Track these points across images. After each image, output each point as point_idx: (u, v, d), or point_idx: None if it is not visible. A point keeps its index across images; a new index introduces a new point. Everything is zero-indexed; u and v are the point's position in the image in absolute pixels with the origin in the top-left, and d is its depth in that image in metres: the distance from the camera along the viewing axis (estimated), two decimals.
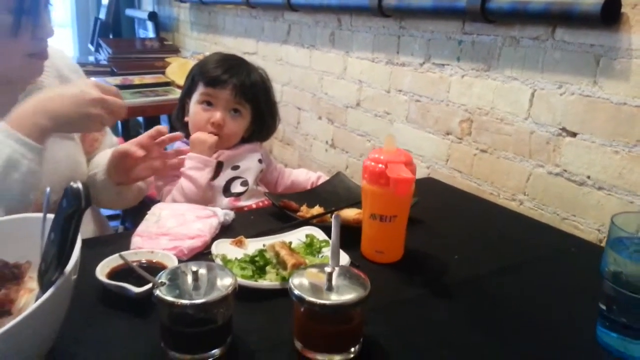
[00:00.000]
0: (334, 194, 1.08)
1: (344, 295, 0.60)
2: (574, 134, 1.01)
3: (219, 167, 1.17)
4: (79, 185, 0.46)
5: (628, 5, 0.89)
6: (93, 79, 1.04)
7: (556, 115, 1.04)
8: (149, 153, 1.01)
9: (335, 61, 1.73)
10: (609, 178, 0.96)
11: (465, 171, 1.27)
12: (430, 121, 1.36)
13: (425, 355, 0.64)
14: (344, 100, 1.71)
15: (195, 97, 1.20)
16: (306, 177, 1.35)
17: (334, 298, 0.59)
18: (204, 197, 1.12)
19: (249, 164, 1.22)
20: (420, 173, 1.39)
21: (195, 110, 1.19)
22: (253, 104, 1.21)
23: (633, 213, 0.67)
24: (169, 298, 0.58)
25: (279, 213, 1.00)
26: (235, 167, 1.20)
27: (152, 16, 3.40)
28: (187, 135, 1.20)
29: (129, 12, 3.89)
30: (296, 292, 0.59)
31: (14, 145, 0.81)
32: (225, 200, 1.16)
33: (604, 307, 0.66)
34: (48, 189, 0.53)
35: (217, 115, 1.16)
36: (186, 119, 1.24)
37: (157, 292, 0.58)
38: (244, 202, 1.18)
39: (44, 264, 0.49)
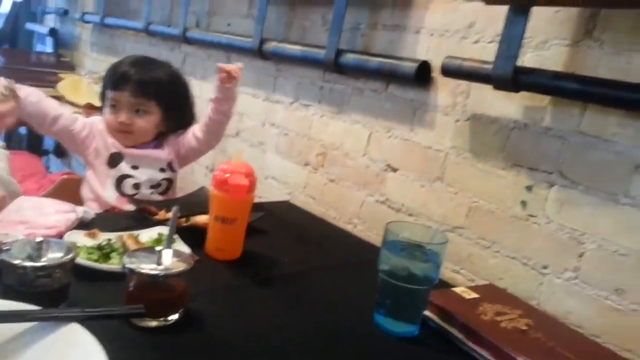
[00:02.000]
0: (194, 203, 1.21)
1: (167, 268, 0.73)
2: (395, 170, 1.25)
3: (117, 158, 1.29)
4: None
5: (436, 71, 1.15)
6: None
7: (384, 153, 1.28)
8: None
9: None
10: (417, 206, 1.20)
11: (318, 197, 1.47)
12: (294, 153, 1.56)
13: (237, 325, 0.79)
14: (226, 130, 1.86)
15: (106, 101, 1.32)
16: (197, 126, 1.36)
17: (156, 270, 0.72)
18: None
19: (148, 171, 1.31)
20: (283, 198, 1.57)
21: (106, 113, 1.32)
22: (157, 100, 1.30)
23: (402, 222, 0.89)
24: (12, 260, 0.68)
25: (139, 216, 1.12)
26: (134, 167, 1.30)
27: (53, 32, 3.38)
28: None
29: (30, 25, 3.82)
30: (127, 264, 0.72)
31: None
32: (114, 195, 1.27)
33: (377, 296, 0.85)
34: None
35: (122, 116, 1.28)
36: None
37: (2, 255, 0.68)
38: (132, 207, 1.19)
39: None
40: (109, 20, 2.65)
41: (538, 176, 0.99)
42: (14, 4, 3.47)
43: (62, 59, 3.16)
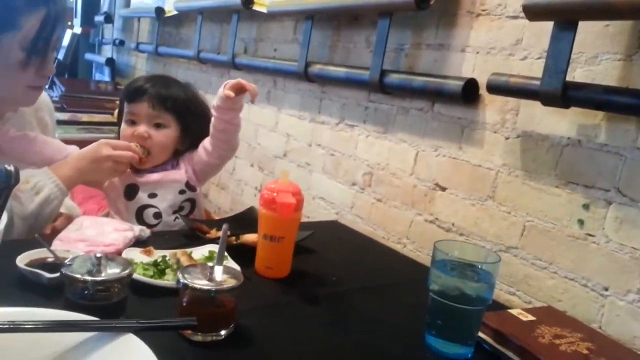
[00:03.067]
0: (244, 223, 1.23)
1: (219, 284, 0.75)
2: (444, 189, 1.23)
3: (133, 189, 1.24)
4: (12, 167, 0.60)
5: (483, 88, 1.14)
6: (103, 140, 1.19)
7: (432, 172, 1.26)
8: None
9: (269, 116, 1.94)
10: (468, 225, 1.17)
11: (365, 217, 1.46)
12: (341, 173, 1.56)
13: (285, 342, 0.79)
14: (274, 151, 1.90)
15: (123, 117, 1.28)
16: (207, 139, 1.28)
17: (209, 285, 0.74)
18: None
19: (168, 195, 1.25)
20: (330, 217, 1.57)
21: (122, 128, 1.28)
22: (175, 115, 1.25)
23: (451, 240, 0.87)
24: (74, 274, 0.71)
25: (191, 234, 1.15)
26: (152, 195, 1.24)
27: (110, 62, 3.57)
28: None
29: (88, 56, 4.06)
30: (181, 279, 0.74)
31: (52, 187, 1.07)
32: (137, 228, 1.18)
33: (428, 316, 0.83)
34: None
35: (140, 128, 1.23)
36: None
37: (65, 270, 0.72)
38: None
39: None
40: (162, 49, 2.78)
41: (595, 194, 0.96)
42: (74, 36, 3.70)
43: (119, 87, 3.33)
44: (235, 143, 1.29)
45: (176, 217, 1.26)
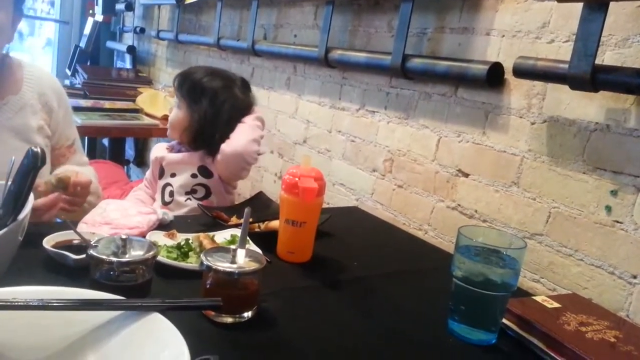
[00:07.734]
0: (259, 208, 1.23)
1: (242, 266, 0.75)
2: (466, 175, 1.22)
3: (162, 170, 1.37)
4: (38, 149, 0.61)
5: (509, 72, 1.12)
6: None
7: (455, 158, 1.25)
8: None
9: (289, 102, 1.93)
10: (491, 212, 1.16)
11: (386, 203, 1.46)
12: (361, 159, 1.56)
13: (308, 326, 0.79)
14: (293, 137, 1.90)
15: None
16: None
17: (232, 267, 0.74)
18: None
19: (181, 177, 1.35)
20: (350, 204, 1.57)
21: None
22: (188, 101, 1.34)
23: (474, 226, 0.86)
24: (100, 255, 0.72)
25: (212, 222, 1.15)
26: (173, 175, 1.36)
27: (131, 50, 3.60)
28: None
29: (110, 44, 4.09)
30: (205, 261, 0.74)
31: None
32: (159, 204, 1.34)
33: (451, 302, 0.82)
34: (13, 158, 0.68)
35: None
36: None
37: (91, 251, 0.73)
38: (173, 213, 1.19)
39: (2, 210, 0.63)
40: (183, 37, 2.78)
41: (623, 180, 0.93)
42: (95, 24, 3.72)
43: (140, 74, 3.35)
44: (237, 173, 1.33)
45: (187, 199, 1.33)
